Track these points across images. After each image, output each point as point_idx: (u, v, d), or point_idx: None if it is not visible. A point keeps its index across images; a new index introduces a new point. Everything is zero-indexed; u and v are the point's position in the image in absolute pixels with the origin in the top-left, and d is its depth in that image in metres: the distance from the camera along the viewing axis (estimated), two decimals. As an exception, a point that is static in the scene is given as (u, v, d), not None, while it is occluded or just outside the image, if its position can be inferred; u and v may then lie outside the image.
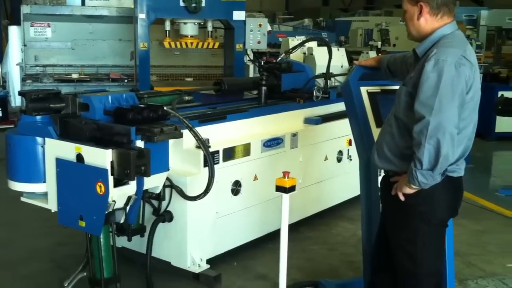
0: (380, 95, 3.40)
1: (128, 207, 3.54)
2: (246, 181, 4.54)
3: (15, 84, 11.06)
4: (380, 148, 2.81)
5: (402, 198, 2.70)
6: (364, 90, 3.36)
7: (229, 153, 4.37)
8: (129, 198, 3.47)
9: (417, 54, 2.75)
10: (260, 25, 7.62)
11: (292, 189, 3.27)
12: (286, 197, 3.29)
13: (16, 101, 10.90)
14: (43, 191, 3.65)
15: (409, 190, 2.65)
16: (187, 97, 4.36)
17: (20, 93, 3.81)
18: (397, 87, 3.29)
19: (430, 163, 2.50)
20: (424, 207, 2.70)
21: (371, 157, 2.91)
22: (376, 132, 3.20)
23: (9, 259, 4.58)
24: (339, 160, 5.57)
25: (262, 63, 5.30)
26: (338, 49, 6.77)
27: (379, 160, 2.83)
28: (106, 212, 3.36)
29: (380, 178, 3.04)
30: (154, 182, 3.62)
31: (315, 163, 5.29)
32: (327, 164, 5.42)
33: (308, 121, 5.27)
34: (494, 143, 9.12)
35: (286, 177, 3.26)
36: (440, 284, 2.87)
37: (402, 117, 2.69)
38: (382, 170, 2.96)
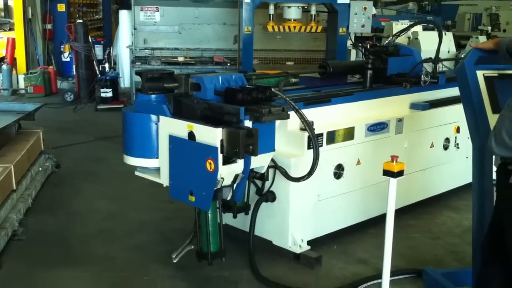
0: (498, 80, 3.24)
1: (235, 185, 3.64)
2: (348, 165, 4.51)
3: (124, 66, 11.66)
4: (499, 134, 2.68)
5: (521, 186, 2.58)
6: (480, 74, 3.22)
7: (333, 136, 4.36)
8: (236, 176, 3.57)
9: None
10: (365, 8, 7.50)
11: (400, 173, 3.22)
12: (393, 181, 3.24)
13: (126, 82, 11.50)
14: (155, 166, 3.84)
15: (529, 179, 2.53)
16: (293, 79, 4.39)
17: (136, 73, 4.01)
18: (517, 72, 3.15)
19: None
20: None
21: (487, 143, 2.79)
22: (492, 118, 3.07)
23: (118, 231, 4.85)
24: (445, 147, 5.38)
25: (368, 46, 5.20)
26: (445, 34, 6.51)
27: (496, 146, 2.70)
28: (215, 188, 3.48)
29: (494, 167, 2.92)
30: (260, 162, 3.70)
31: (421, 150, 5.14)
32: (433, 152, 5.26)
33: (415, 106, 5.12)
34: None
35: (395, 161, 3.20)
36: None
37: (525, 101, 2.56)
38: (497, 158, 2.84)
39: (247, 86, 3.73)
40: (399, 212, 5.08)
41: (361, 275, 4.03)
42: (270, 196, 4.23)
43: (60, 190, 5.89)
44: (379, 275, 3.53)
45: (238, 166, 3.51)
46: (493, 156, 3.13)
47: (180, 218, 4.89)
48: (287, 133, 4.19)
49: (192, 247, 3.96)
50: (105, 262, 4.27)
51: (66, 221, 5.05)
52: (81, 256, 4.38)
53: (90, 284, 3.91)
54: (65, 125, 8.89)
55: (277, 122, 4.07)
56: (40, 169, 5.94)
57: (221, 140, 3.36)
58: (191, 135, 3.50)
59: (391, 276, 3.94)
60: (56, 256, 4.34)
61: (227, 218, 4.40)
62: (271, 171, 4.17)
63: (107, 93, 9.85)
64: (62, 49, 12.62)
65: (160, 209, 5.29)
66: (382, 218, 4.48)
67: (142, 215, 5.24)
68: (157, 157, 3.80)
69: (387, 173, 3.21)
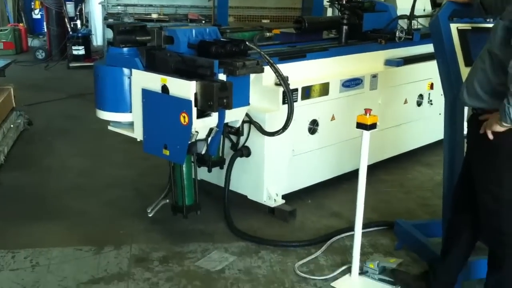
0: (471, 33, 3.25)
1: (209, 139, 3.64)
2: (323, 120, 4.54)
3: (97, 24, 11.42)
4: (471, 85, 2.72)
5: (490, 136, 2.62)
6: (454, 27, 3.23)
7: (308, 92, 4.36)
8: (210, 130, 3.57)
9: None
10: (341, -36, 7.39)
11: (373, 126, 3.25)
12: (366, 134, 3.27)
13: (98, 40, 11.28)
14: (129, 121, 3.81)
15: (499, 128, 2.57)
16: (268, 34, 4.36)
17: (108, 26, 3.94)
18: (490, 25, 3.15)
19: None
20: (514, 147, 2.62)
21: (459, 95, 2.82)
22: (464, 71, 3.09)
23: (92, 187, 4.84)
24: (419, 104, 5.44)
25: (344, 1, 5.16)
26: (421, -9, 6.49)
27: (468, 97, 2.74)
28: (189, 142, 3.47)
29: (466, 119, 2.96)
30: (234, 116, 3.69)
31: (394, 106, 5.19)
32: (406, 108, 5.31)
33: (389, 62, 5.14)
34: None
35: (368, 114, 3.22)
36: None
37: (497, 52, 2.58)
38: (469, 110, 2.88)
39: (221, 39, 3.69)
40: (372, 168, 5.15)
41: (334, 228, 4.10)
42: (245, 151, 4.24)
43: (33, 147, 5.83)
44: (351, 228, 3.60)
45: (212, 120, 3.50)
46: (465, 110, 3.18)
47: (155, 174, 4.89)
48: (262, 88, 4.18)
49: (167, 201, 3.98)
50: (79, 216, 4.27)
51: (39, 178, 5.02)
52: (55, 211, 4.37)
53: (65, 238, 3.91)
54: (37, 82, 8.74)
55: (252, 77, 4.05)
56: (11, 126, 5.85)
57: (195, 94, 3.33)
58: (165, 88, 3.47)
59: (363, 229, 4.01)
60: (29, 211, 4.32)
61: (204, 174, 4.41)
62: (246, 126, 4.17)
63: (79, 50, 9.68)
64: (32, 6, 12.28)
65: (135, 165, 5.28)
66: (356, 173, 4.53)
67: (117, 171, 5.22)
68: (130, 112, 3.77)
69: (360, 125, 3.24)
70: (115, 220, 4.22)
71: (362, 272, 3.47)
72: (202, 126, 3.47)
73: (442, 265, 3.10)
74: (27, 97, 7.17)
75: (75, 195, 4.66)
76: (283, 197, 4.38)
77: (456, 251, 3.04)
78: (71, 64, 9.66)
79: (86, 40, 9.91)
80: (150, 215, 4.03)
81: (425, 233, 3.67)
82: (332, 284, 3.40)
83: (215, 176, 4.39)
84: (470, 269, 3.19)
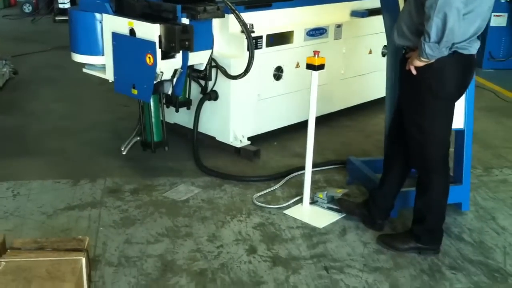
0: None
1: (175, 80, 3.94)
2: (288, 67, 4.82)
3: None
4: (399, 26, 3.01)
5: (414, 71, 2.92)
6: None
7: (272, 39, 4.62)
8: (175, 71, 3.86)
9: None
10: None
11: (321, 67, 3.52)
12: (315, 74, 3.56)
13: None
14: (102, 63, 4.10)
15: (419, 63, 2.87)
16: (234, -17, 4.59)
17: (81, -27, 4.17)
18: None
19: (437, 35, 2.69)
20: (433, 81, 2.91)
21: (392, 36, 3.11)
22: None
23: (73, 129, 5.17)
24: (384, 54, 5.70)
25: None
26: None
27: (397, 37, 3.03)
28: (155, 82, 3.77)
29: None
30: (198, 59, 3.99)
31: (359, 56, 5.46)
32: (371, 58, 5.57)
33: (355, 13, 5.39)
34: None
35: (316, 55, 3.50)
36: (446, 154, 3.14)
37: (418, -6, 2.86)
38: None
39: (186, -14, 3.94)
40: (337, 114, 5.52)
41: (294, 166, 4.43)
42: (212, 95, 4.54)
43: (18, 94, 6.12)
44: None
45: (176, 61, 3.80)
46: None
47: (133, 119, 5.15)
48: (229, 35, 4.45)
49: (138, 138, 4.29)
50: (59, 154, 4.60)
51: (22, 120, 5.33)
52: (36, 149, 4.70)
53: (44, 172, 4.24)
54: (23, 35, 8.95)
55: (218, 25, 4.33)
56: (-3, 74, 6.12)
57: (159, 36, 3.62)
58: (132, 31, 3.75)
59: (321, 167, 4.39)
60: (12, 149, 4.66)
61: (177, 118, 4.73)
62: (214, 71, 4.45)
63: (65, 4, 9.84)
64: (20, -40, 12.31)
65: (114, 111, 5.59)
66: (320, 119, 4.86)
67: (97, 116, 5.54)
68: (102, 55, 4.06)
69: (309, 66, 3.52)
70: (92, 157, 4.56)
71: (313, 201, 3.81)
72: (166, 67, 3.76)
73: (379, 191, 3.44)
74: (13, 49, 7.42)
75: (56, 136, 4.98)
76: (250, 139, 4.70)
77: (391, 178, 3.38)
78: (57, 18, 9.83)
79: (73, -6, 10.05)
80: (124, 153, 4.34)
81: (373, 168, 3.99)
82: (285, 211, 3.75)
83: (189, 120, 4.69)
84: (406, 198, 3.54)
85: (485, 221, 3.64)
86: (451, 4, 2.63)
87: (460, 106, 3.52)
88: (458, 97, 3.08)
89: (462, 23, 2.71)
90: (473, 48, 2.92)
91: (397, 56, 3.48)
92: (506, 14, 7.52)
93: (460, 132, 3.65)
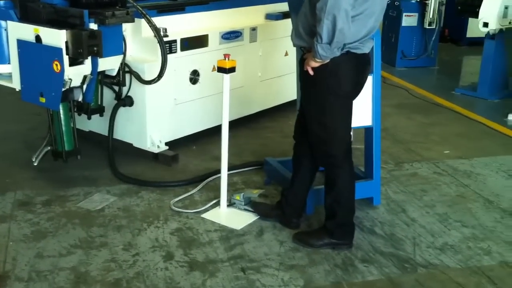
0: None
1: (85, 86, 3.85)
2: (204, 71, 4.81)
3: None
4: (296, 27, 3.09)
5: (311, 72, 3.00)
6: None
7: (187, 43, 4.61)
8: (85, 77, 3.77)
9: None
10: None
11: (232, 70, 3.54)
12: (226, 77, 3.56)
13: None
14: (8, 72, 3.94)
15: (314, 64, 2.95)
16: (146, -13, 4.54)
17: (-18, -21, 3.99)
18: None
19: (328, 37, 2.78)
20: (331, 80, 3.01)
21: (290, 38, 3.18)
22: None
23: (-17, 141, 4.94)
24: (299, 56, 5.82)
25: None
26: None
27: (295, 38, 3.11)
28: (64, 89, 3.67)
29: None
30: (109, 64, 3.92)
31: (275, 58, 5.54)
32: (287, 60, 5.64)
33: (269, 16, 5.47)
34: (465, 48, 9.36)
35: (227, 58, 3.52)
36: (349, 149, 3.24)
37: (312, -3, 2.95)
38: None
39: (93, -10, 3.86)
40: (257, 116, 5.57)
41: (213, 169, 4.42)
42: (127, 101, 4.47)
43: None
44: (229, 169, 3.90)
45: (85, 68, 3.71)
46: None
47: (45, 128, 5.00)
48: (141, 40, 4.40)
49: (49, 148, 4.16)
50: (-37, 168, 4.38)
51: None
52: None
53: (-51, 189, 4.03)
54: None
55: (131, 29, 4.27)
56: None
57: (66, 42, 3.53)
58: (38, 38, 3.63)
59: (238, 169, 4.42)
60: None
61: (92, 125, 4.62)
62: (128, 76, 4.38)
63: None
64: None
65: (26, 121, 5.39)
66: (239, 122, 4.89)
67: (7, 126, 5.31)
68: (9, 63, 3.90)
69: (220, 69, 3.53)
70: (2, 170, 4.36)
71: (230, 204, 3.83)
72: (75, 74, 3.67)
73: (291, 191, 3.50)
74: None
75: (-37, 149, 4.75)
76: (168, 144, 4.66)
77: (300, 177, 3.46)
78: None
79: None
80: (35, 164, 4.22)
81: (289, 168, 4.04)
82: (203, 215, 3.74)
83: (104, 127, 4.58)
84: (320, 195, 3.61)
85: (396, 214, 3.78)
86: (339, 6, 2.71)
87: (367, 104, 3.65)
88: (355, 94, 3.19)
89: (353, 24, 2.81)
90: (366, 47, 3.03)
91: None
92: (416, 14, 7.85)
93: (369, 129, 3.77)
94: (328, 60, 2.91)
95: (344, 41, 2.83)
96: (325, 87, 3.02)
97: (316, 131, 3.17)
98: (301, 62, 3.12)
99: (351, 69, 3.03)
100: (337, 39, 2.77)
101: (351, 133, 3.31)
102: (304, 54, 3.10)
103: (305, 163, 3.40)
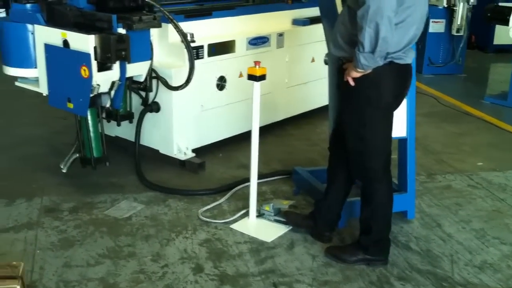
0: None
1: (113, 92, 3.78)
2: (231, 77, 4.73)
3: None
4: (335, 37, 2.99)
5: (351, 82, 2.90)
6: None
7: (214, 49, 4.53)
8: (113, 83, 3.70)
9: None
10: None
11: (262, 77, 3.44)
12: (257, 85, 3.47)
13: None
14: (35, 76, 3.90)
15: (355, 74, 2.85)
16: (174, -8, 4.48)
17: (10, -18, 3.96)
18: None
19: (371, 45, 2.67)
20: (371, 92, 2.90)
21: (328, 48, 3.08)
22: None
23: (7, 144, 4.90)
24: (326, 62, 5.69)
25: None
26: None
27: (334, 48, 3.01)
28: (92, 95, 3.60)
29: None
30: (137, 70, 3.85)
31: (302, 64, 5.44)
32: (314, 66, 5.56)
33: (296, 22, 5.38)
34: (492, 55, 9.18)
35: (257, 66, 3.43)
36: (388, 163, 3.12)
37: (351, 5, 2.84)
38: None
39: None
40: (282, 123, 5.47)
41: (240, 178, 4.34)
42: (154, 107, 4.40)
43: None
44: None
45: (113, 73, 3.64)
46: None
47: (71, 132, 4.94)
48: (169, 45, 4.33)
49: (78, 155, 4.09)
50: (-9, 172, 4.35)
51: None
52: (-34, 168, 4.42)
53: (-26, 193, 3.99)
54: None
55: (158, 35, 4.20)
56: None
57: (94, 47, 3.46)
58: (66, 43, 3.58)
59: (267, 178, 4.32)
60: None
61: (118, 131, 4.56)
62: (155, 82, 4.32)
63: (0, 13, 9.41)
64: None
65: (51, 124, 5.37)
66: (266, 129, 4.79)
67: (32, 129, 5.28)
68: (35, 67, 3.86)
69: (251, 77, 3.44)
70: (28, 175, 4.32)
71: (260, 214, 3.73)
72: (103, 79, 3.60)
73: (324, 203, 3.40)
74: None
75: (-15, 151, 4.72)
76: (194, 150, 4.58)
77: (335, 189, 3.34)
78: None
79: (6, 2, 9.64)
80: (64, 171, 4.14)
81: (319, 178, 3.96)
82: (232, 226, 3.65)
83: (130, 133, 4.52)
84: (353, 208, 3.51)
85: (431, 229, 3.66)
86: (382, 13, 2.61)
87: (402, 115, 3.53)
88: (396, 106, 3.07)
89: (395, 33, 2.70)
90: (408, 57, 2.92)
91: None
92: (444, 21, 7.70)
93: (402, 140, 3.65)
94: (370, 70, 2.80)
95: (387, 50, 2.73)
96: (366, 98, 2.91)
97: (354, 143, 3.06)
98: (340, 72, 3.01)
99: (393, 80, 2.92)
100: (380, 48, 2.67)
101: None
102: (343, 63, 2.99)
103: (340, 176, 3.29)
